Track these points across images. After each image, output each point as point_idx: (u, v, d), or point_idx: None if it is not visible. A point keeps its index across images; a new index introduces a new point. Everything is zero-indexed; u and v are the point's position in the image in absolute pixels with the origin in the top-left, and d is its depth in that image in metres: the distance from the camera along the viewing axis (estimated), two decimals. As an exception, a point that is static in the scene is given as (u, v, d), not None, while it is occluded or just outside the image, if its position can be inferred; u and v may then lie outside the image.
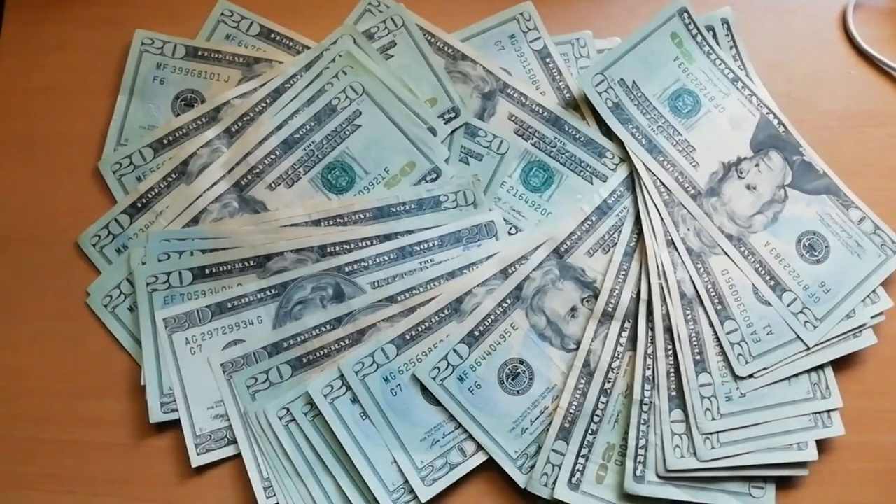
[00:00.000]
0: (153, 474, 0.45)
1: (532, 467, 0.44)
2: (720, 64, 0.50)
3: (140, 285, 0.46)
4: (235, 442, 0.44)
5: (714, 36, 0.50)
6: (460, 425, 0.44)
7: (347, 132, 0.49)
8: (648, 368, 0.44)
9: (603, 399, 0.44)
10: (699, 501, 0.43)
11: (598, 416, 0.44)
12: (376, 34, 0.51)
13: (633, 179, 0.48)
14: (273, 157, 0.48)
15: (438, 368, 0.44)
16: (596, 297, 0.46)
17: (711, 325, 0.45)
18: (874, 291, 0.46)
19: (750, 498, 0.43)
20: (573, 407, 0.44)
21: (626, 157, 0.48)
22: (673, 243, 0.46)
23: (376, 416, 0.44)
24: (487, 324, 0.45)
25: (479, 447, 0.44)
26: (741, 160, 0.48)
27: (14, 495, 0.45)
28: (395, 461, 0.43)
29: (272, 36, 0.51)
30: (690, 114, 0.49)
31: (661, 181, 0.47)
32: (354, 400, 0.44)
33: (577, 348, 0.45)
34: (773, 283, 0.46)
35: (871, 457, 0.45)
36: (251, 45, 0.51)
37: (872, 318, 0.46)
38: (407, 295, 0.46)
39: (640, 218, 0.47)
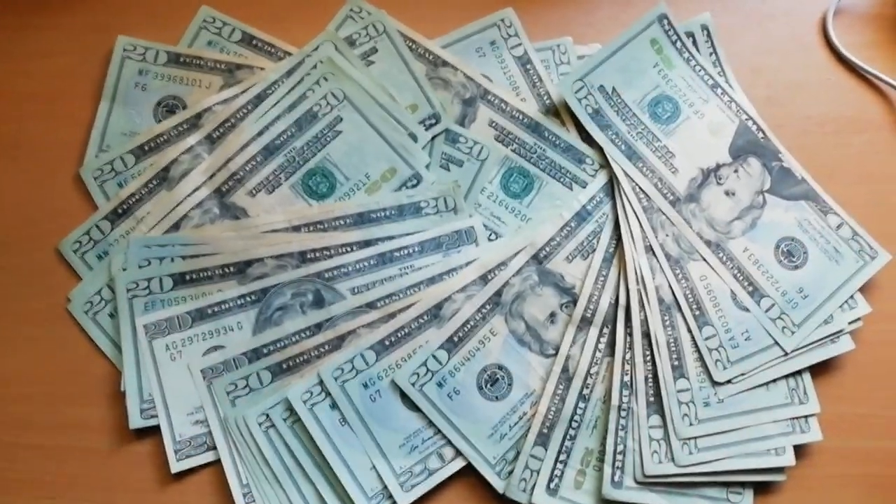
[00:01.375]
0: (133, 480, 0.45)
1: (510, 473, 0.44)
2: (700, 70, 0.50)
3: (120, 291, 0.46)
4: (215, 448, 0.44)
5: (694, 42, 0.51)
6: (439, 431, 0.44)
7: (328, 138, 0.49)
8: (626, 374, 0.45)
9: (581, 405, 0.44)
10: (677, 507, 0.43)
11: (576, 421, 0.44)
12: (358, 41, 0.51)
13: (612, 185, 0.48)
14: (254, 163, 0.48)
15: (418, 374, 0.45)
16: (575, 302, 0.46)
17: (689, 330, 0.45)
18: (852, 297, 0.46)
19: (728, 503, 0.44)
20: (552, 412, 0.44)
21: (605, 164, 0.49)
22: (651, 249, 0.46)
23: (355, 422, 0.44)
24: (467, 329, 0.46)
25: (458, 453, 0.44)
26: (720, 166, 0.48)
27: (-5, 501, 0.45)
28: (374, 467, 0.43)
29: (254, 42, 0.52)
30: (670, 120, 0.49)
31: (640, 187, 0.47)
32: (334, 406, 0.44)
33: (556, 354, 0.45)
34: (751, 288, 0.46)
35: (848, 462, 0.45)
36: (233, 51, 0.51)
37: (850, 323, 0.46)
38: (387, 301, 0.46)
39: (619, 224, 0.47)
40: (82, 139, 0.50)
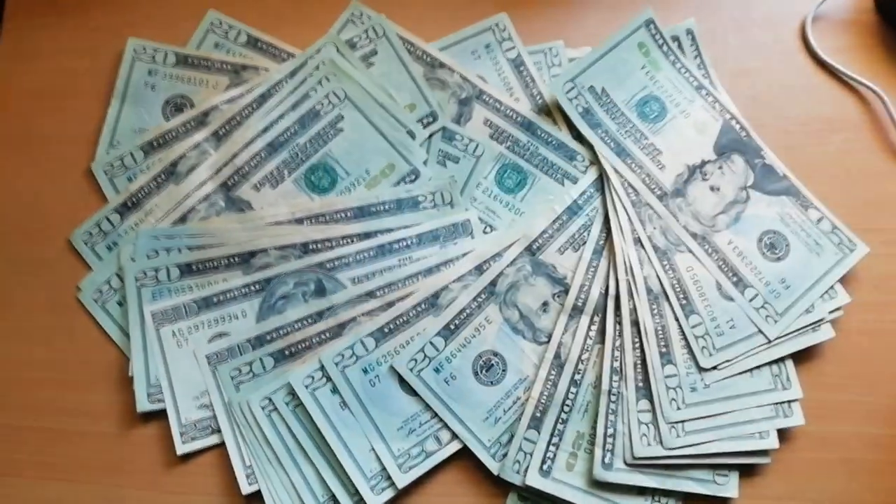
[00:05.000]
0: (140, 462, 0.47)
1: (505, 455, 0.45)
2: (685, 72, 0.52)
3: (129, 281, 0.48)
4: (219, 431, 0.46)
5: (679, 46, 0.53)
6: (436, 415, 0.46)
7: (330, 136, 0.51)
8: (616, 360, 0.46)
9: (573, 389, 0.46)
10: (665, 488, 0.45)
11: (568, 405, 0.46)
12: (358, 43, 0.53)
13: (602, 181, 0.50)
14: (259, 158, 0.50)
15: (415, 360, 0.46)
16: (566, 292, 0.48)
17: (677, 319, 0.47)
18: (832, 287, 0.48)
19: (714, 485, 0.45)
20: (544, 397, 0.46)
21: (595, 160, 0.51)
22: (640, 241, 0.48)
23: (355, 406, 0.46)
24: (463, 317, 0.47)
25: (454, 436, 0.46)
26: (705, 163, 0.50)
27: (5, 482, 0.46)
28: (373, 449, 0.45)
29: (259, 44, 0.54)
30: (657, 119, 0.51)
31: (628, 183, 0.49)
32: (334, 390, 0.46)
33: (549, 341, 0.47)
34: (735, 279, 0.48)
35: (829, 446, 0.47)
36: (239, 53, 0.53)
37: (830, 312, 0.48)
38: (386, 290, 0.48)
39: (608, 217, 0.49)
40: (91, 135, 0.52)
